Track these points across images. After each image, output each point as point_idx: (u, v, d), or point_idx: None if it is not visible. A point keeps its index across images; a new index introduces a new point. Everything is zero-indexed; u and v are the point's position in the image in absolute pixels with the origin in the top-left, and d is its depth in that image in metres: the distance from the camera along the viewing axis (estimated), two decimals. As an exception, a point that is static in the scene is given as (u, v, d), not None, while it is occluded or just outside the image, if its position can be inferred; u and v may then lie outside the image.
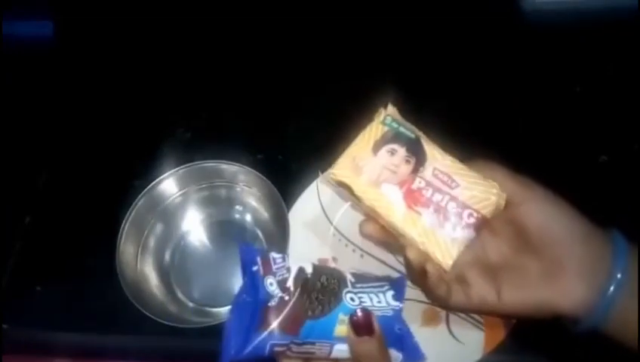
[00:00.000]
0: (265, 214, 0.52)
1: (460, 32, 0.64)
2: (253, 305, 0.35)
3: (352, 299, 0.37)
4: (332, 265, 0.48)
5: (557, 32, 0.63)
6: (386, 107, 0.41)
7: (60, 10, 0.67)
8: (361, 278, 0.39)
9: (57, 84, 0.64)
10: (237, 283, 0.51)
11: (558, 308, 0.36)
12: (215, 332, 0.46)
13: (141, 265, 0.49)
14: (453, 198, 0.37)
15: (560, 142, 0.56)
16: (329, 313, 0.36)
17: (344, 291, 0.37)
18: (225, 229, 0.54)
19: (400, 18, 0.64)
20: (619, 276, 0.35)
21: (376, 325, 0.36)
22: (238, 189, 0.52)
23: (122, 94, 0.63)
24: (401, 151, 0.38)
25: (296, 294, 0.36)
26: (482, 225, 0.37)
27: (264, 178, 0.49)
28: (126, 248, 0.48)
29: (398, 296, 0.39)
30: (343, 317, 0.36)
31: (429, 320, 0.46)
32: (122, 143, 0.60)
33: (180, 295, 0.51)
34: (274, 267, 0.37)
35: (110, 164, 0.58)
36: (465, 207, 0.37)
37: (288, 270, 0.37)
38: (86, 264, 0.52)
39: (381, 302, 0.38)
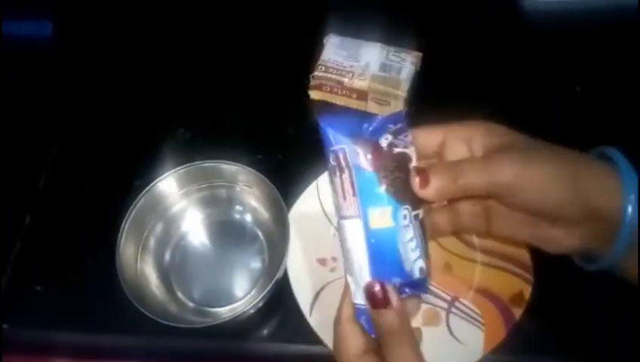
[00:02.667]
0: (265, 214, 0.52)
1: (460, 32, 0.64)
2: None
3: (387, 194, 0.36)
4: (332, 265, 0.48)
5: (557, 32, 0.63)
6: None
7: (60, 10, 0.68)
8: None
9: (57, 84, 0.64)
10: (237, 283, 0.51)
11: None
12: (215, 332, 0.46)
13: (141, 265, 0.49)
14: None
15: (560, 142, 0.55)
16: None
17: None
18: (225, 229, 0.54)
19: (400, 18, 0.64)
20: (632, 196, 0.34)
21: (394, 297, 0.34)
22: (238, 189, 0.52)
23: (122, 94, 0.63)
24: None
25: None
26: None
27: (264, 178, 0.49)
28: (126, 248, 0.47)
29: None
30: (379, 191, 0.35)
31: (429, 320, 0.46)
32: (122, 143, 0.59)
33: (180, 295, 0.51)
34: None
35: (110, 164, 0.58)
36: None
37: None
38: (86, 264, 0.52)
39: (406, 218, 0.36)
